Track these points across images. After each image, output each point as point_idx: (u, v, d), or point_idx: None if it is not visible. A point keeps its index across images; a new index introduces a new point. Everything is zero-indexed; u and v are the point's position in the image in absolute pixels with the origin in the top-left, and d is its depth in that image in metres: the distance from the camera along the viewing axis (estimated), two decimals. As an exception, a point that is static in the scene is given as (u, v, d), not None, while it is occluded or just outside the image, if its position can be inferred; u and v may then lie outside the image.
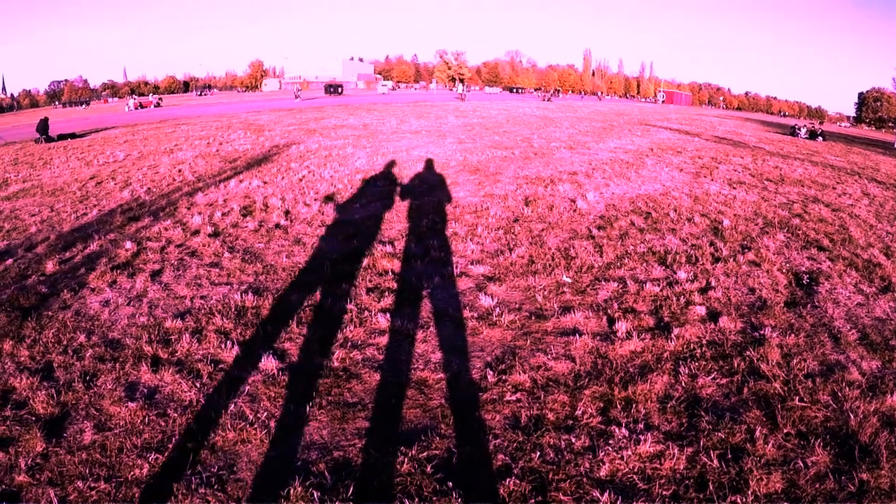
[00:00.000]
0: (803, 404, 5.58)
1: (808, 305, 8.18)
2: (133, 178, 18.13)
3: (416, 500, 4.34)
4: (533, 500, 4.30)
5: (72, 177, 18.88)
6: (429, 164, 19.63)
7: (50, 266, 9.63)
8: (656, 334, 7.01)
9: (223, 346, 6.70)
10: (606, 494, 4.31)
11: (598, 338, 6.90)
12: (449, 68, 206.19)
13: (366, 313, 7.64)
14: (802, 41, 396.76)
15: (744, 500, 4.33)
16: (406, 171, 18.18)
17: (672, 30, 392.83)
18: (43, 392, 5.77)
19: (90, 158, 22.90)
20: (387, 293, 8.33)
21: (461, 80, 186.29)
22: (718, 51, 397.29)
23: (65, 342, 6.90)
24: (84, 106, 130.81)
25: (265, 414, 5.44)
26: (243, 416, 5.39)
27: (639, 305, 7.93)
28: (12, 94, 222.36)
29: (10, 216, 13.72)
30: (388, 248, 10.29)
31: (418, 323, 7.37)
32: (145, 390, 5.86)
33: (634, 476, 4.54)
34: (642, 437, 4.94)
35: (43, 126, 31.97)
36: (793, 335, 7.12)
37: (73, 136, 33.41)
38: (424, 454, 4.80)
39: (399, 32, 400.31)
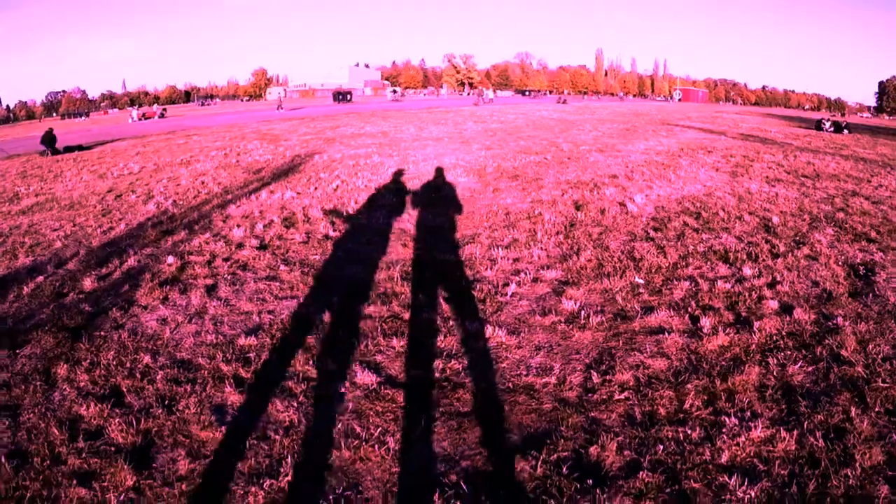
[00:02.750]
0: (887, 385, 5.93)
1: (870, 294, 8.47)
2: (154, 190, 18.01)
3: (564, 500, 4.45)
4: (669, 489, 4.49)
5: (87, 190, 18.79)
6: (465, 171, 19.58)
7: (88, 283, 9.44)
8: (739, 328, 7.25)
9: (310, 362, 6.55)
10: (734, 478, 4.55)
11: (686, 335, 7.11)
12: (458, 72, 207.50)
13: (451, 322, 7.59)
14: (817, 31, 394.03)
15: (853, 472, 4.64)
16: (444, 179, 18.10)
17: (684, 25, 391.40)
18: (118, 419, 5.54)
19: (103, 171, 22.82)
20: (467, 301, 8.28)
21: (471, 84, 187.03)
22: (732, 45, 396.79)
23: (128, 364, 6.67)
24: (84, 117, 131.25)
25: (378, 430, 5.29)
26: (354, 434, 5.24)
27: (715, 302, 8.13)
28: (8, 106, 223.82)
29: (29, 231, 13.58)
30: (451, 257, 10.24)
31: (509, 329, 7.33)
32: (236, 413, 5.67)
33: (753, 460, 4.81)
34: (752, 424, 5.20)
35: (49, 138, 31.84)
36: (863, 322, 7.44)
37: (80, 147, 33.41)
38: (554, 456, 4.87)
39: (405, 37, 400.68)
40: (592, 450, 4.89)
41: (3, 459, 5.01)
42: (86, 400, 5.93)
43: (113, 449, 5.15)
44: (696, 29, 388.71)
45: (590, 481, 4.52)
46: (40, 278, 9.84)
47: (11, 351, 7.19)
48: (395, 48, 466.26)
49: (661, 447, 4.89)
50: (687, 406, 5.50)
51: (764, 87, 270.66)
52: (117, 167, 23.60)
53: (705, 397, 5.66)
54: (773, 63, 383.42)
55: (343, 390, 5.97)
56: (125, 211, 15.22)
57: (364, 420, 5.48)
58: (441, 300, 8.30)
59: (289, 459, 4.90)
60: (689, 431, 5.10)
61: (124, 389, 6.16)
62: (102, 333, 7.58)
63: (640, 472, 4.59)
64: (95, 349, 7.11)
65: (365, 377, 6.17)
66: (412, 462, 4.90)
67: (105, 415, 5.66)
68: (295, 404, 5.75)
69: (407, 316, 7.82)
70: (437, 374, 6.28)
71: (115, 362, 6.74)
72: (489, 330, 7.26)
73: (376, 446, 5.06)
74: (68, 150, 32.18)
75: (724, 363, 6.35)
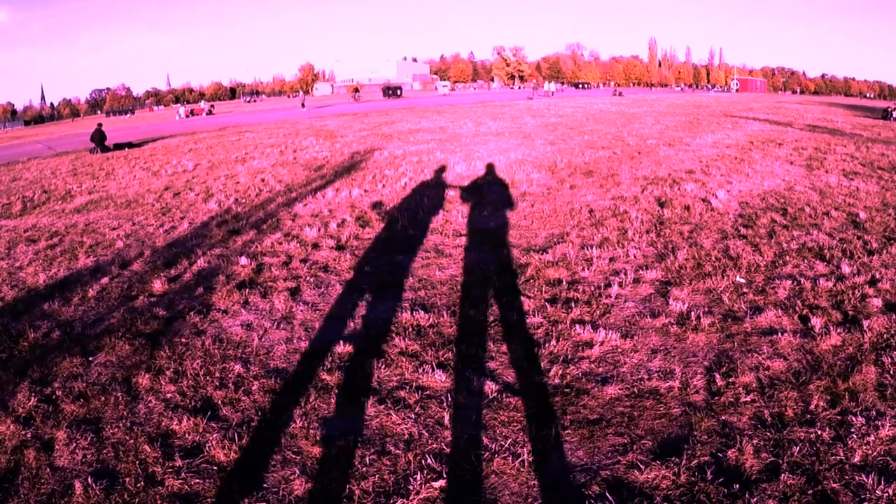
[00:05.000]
0: None
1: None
2: (213, 188, 18.17)
3: (712, 505, 4.48)
4: (811, 490, 4.48)
5: (143, 187, 19.07)
6: (534, 166, 19.34)
7: (158, 285, 9.36)
8: (850, 328, 7.19)
9: (419, 370, 6.35)
10: (870, 477, 4.56)
11: (799, 335, 7.05)
12: (507, 65, 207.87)
13: (560, 326, 7.40)
14: (877, 15, 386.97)
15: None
16: (515, 176, 17.86)
17: (740, 12, 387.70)
18: (215, 434, 5.30)
19: (156, 168, 23.23)
20: (572, 303, 8.11)
21: (521, 77, 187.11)
22: (789, 32, 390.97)
23: (218, 374, 6.47)
24: (129, 115, 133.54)
25: (507, 441, 5.11)
26: (483, 446, 5.06)
27: (820, 301, 8.06)
28: (52, 104, 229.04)
29: (86, 230, 13.74)
30: (546, 257, 10.04)
31: (621, 332, 7.23)
32: (347, 426, 5.42)
33: (886, 458, 4.81)
34: (878, 424, 5.22)
35: (98, 135, 32.49)
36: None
37: (130, 145, 34.16)
38: (695, 462, 4.84)
39: (453, 30, 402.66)
40: (731, 453, 4.89)
41: (89, 480, 4.76)
42: (176, 413, 5.73)
43: (215, 468, 4.91)
44: (752, 15, 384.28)
45: (736, 486, 4.51)
46: (105, 280, 9.83)
47: (84, 358, 7.03)
48: (443, 41, 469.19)
49: (797, 448, 4.92)
50: (813, 407, 5.54)
51: (823, 76, 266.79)
52: (171, 164, 24.03)
53: (829, 397, 5.70)
54: (831, 50, 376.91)
55: (461, 399, 5.80)
56: (185, 209, 15.37)
57: (490, 431, 5.31)
58: (543, 303, 8.14)
59: (417, 476, 4.67)
60: (819, 432, 5.15)
61: (218, 402, 5.93)
62: (184, 340, 7.43)
63: (782, 475, 4.61)
64: (178, 357, 6.96)
65: (482, 385, 6.02)
66: (549, 473, 4.77)
67: (201, 430, 5.44)
68: (412, 415, 5.55)
69: (513, 319, 7.65)
70: (557, 381, 6.15)
71: (202, 371, 6.56)
72: (602, 333, 7.13)
73: (510, 458, 4.91)
74: (118, 147, 32.90)
75: (840, 363, 6.35)
